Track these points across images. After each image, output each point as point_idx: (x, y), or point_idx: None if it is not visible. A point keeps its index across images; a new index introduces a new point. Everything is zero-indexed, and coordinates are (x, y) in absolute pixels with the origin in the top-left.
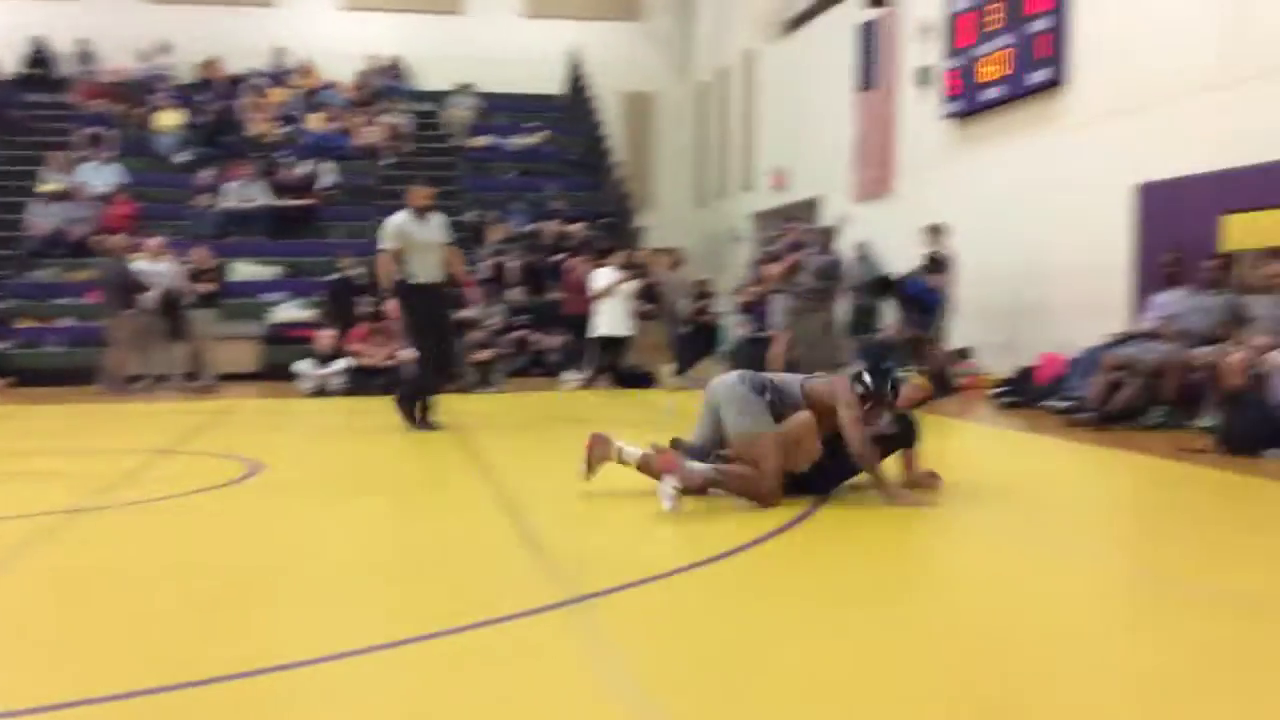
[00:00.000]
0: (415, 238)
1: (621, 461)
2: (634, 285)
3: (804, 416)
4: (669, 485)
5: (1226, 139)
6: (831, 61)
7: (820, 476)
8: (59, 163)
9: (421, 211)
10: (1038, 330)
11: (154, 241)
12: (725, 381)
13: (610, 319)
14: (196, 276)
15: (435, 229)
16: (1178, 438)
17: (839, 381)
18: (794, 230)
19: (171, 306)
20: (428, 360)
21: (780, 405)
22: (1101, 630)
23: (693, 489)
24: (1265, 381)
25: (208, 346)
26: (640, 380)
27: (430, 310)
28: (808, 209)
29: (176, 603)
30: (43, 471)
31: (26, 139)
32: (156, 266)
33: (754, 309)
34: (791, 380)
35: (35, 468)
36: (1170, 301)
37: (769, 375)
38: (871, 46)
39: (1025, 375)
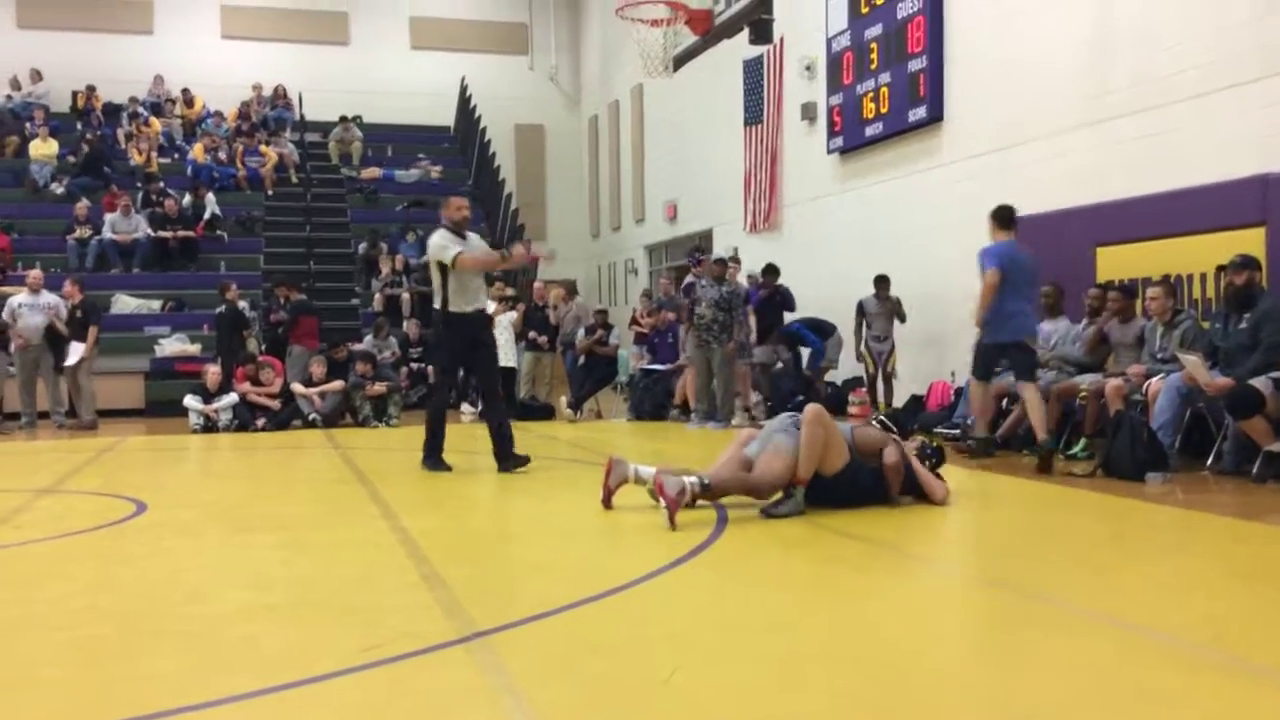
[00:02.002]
0: (453, 252)
1: (638, 481)
2: (512, 316)
3: (811, 414)
4: (663, 509)
5: (1097, 174)
6: (719, 97)
7: (845, 490)
8: None
9: (460, 228)
10: (931, 360)
11: (34, 274)
12: (779, 422)
13: (505, 350)
14: (70, 310)
15: (475, 246)
16: (1061, 464)
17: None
18: (704, 262)
19: (54, 341)
20: (444, 393)
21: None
22: (983, 649)
23: (685, 502)
24: (1144, 407)
25: (87, 383)
26: (536, 411)
27: (473, 342)
28: (703, 241)
29: (61, 648)
30: None
31: None
32: (37, 299)
33: (650, 341)
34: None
35: None
36: (1051, 331)
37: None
38: (757, 82)
39: (915, 403)
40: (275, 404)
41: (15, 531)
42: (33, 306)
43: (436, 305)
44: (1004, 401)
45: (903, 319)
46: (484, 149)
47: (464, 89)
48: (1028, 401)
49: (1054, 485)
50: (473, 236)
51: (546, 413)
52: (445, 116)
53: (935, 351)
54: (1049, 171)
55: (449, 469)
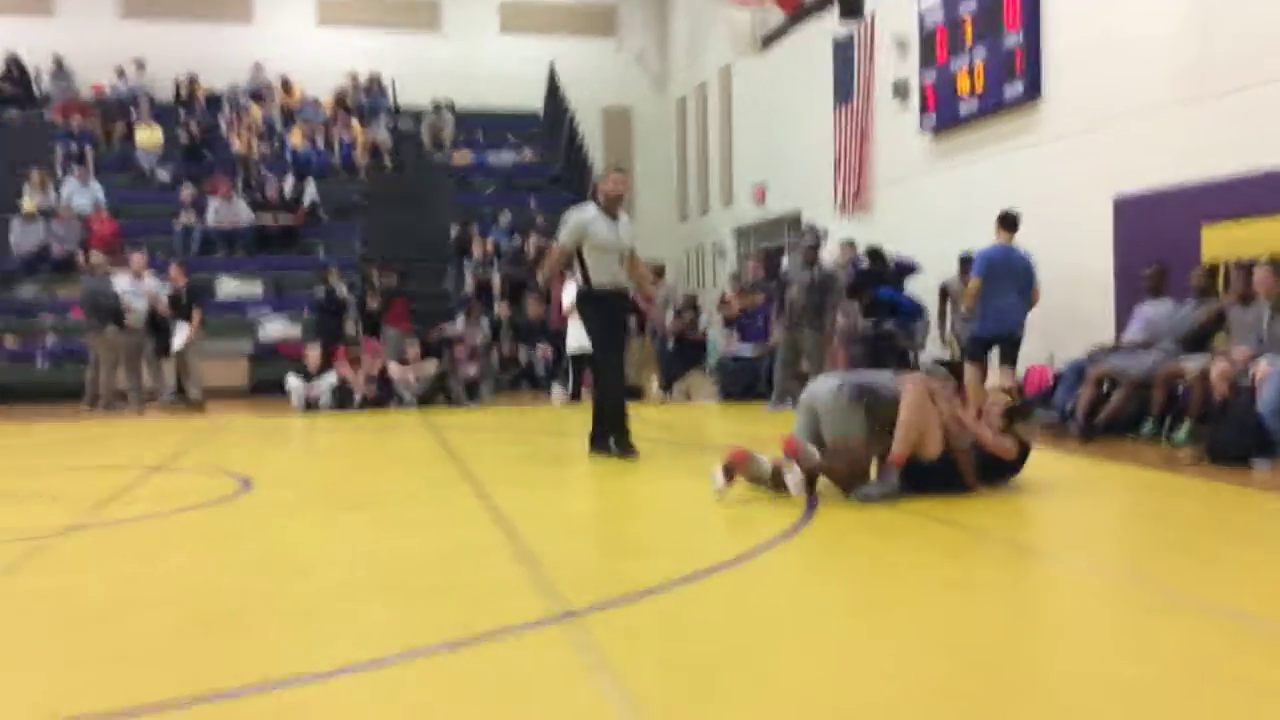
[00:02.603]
0: (598, 237)
1: (755, 475)
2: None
3: (910, 398)
4: (795, 473)
5: (1200, 151)
6: (809, 76)
7: (941, 475)
8: (38, 181)
9: (611, 206)
10: (1026, 343)
11: (136, 259)
12: (825, 388)
13: (580, 334)
14: (175, 293)
15: (622, 231)
16: (1165, 449)
17: (918, 378)
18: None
19: (157, 323)
20: (609, 376)
21: (876, 405)
22: (1088, 638)
23: (809, 470)
24: (1251, 391)
25: (195, 363)
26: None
27: (611, 320)
28: (791, 223)
29: (172, 620)
30: (33, 491)
31: (4, 158)
32: (140, 284)
33: (740, 324)
34: (883, 377)
35: (25, 487)
36: (1154, 313)
37: (861, 379)
38: (848, 60)
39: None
40: (372, 385)
41: (127, 507)
42: (135, 291)
43: (579, 282)
44: (1104, 386)
45: None
46: (572, 132)
47: (552, 72)
48: (977, 385)
49: (1157, 471)
50: (622, 219)
51: (635, 394)
52: (534, 100)
53: (1030, 335)
54: (1149, 148)
55: (618, 452)
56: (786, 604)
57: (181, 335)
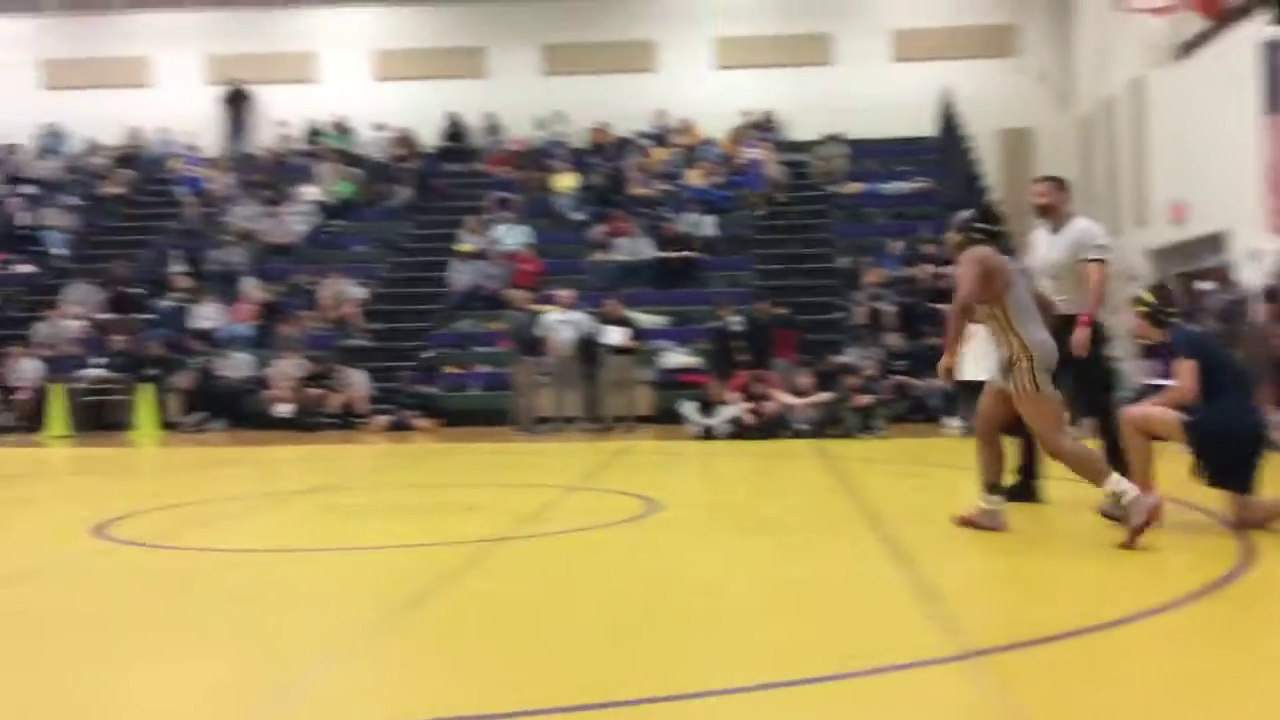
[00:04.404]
0: (1035, 250)
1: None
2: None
3: None
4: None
5: None
6: (1232, 84)
7: None
8: (473, 225)
9: (1045, 215)
10: None
11: (565, 294)
12: None
13: (970, 363)
14: (610, 324)
15: (1060, 242)
16: None
17: None
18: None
19: (587, 353)
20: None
21: None
22: None
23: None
24: None
25: (626, 389)
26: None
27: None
28: (1211, 244)
29: (591, 628)
30: (467, 504)
31: (446, 204)
32: (568, 316)
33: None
34: None
35: (459, 500)
36: None
37: None
38: (1278, 65)
39: None
40: (762, 415)
41: (548, 522)
42: (564, 323)
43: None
44: None
45: None
46: (965, 156)
47: (945, 97)
48: None
49: None
50: (1069, 227)
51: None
52: (926, 126)
53: None
54: None
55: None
56: (1221, 656)
57: (622, 365)
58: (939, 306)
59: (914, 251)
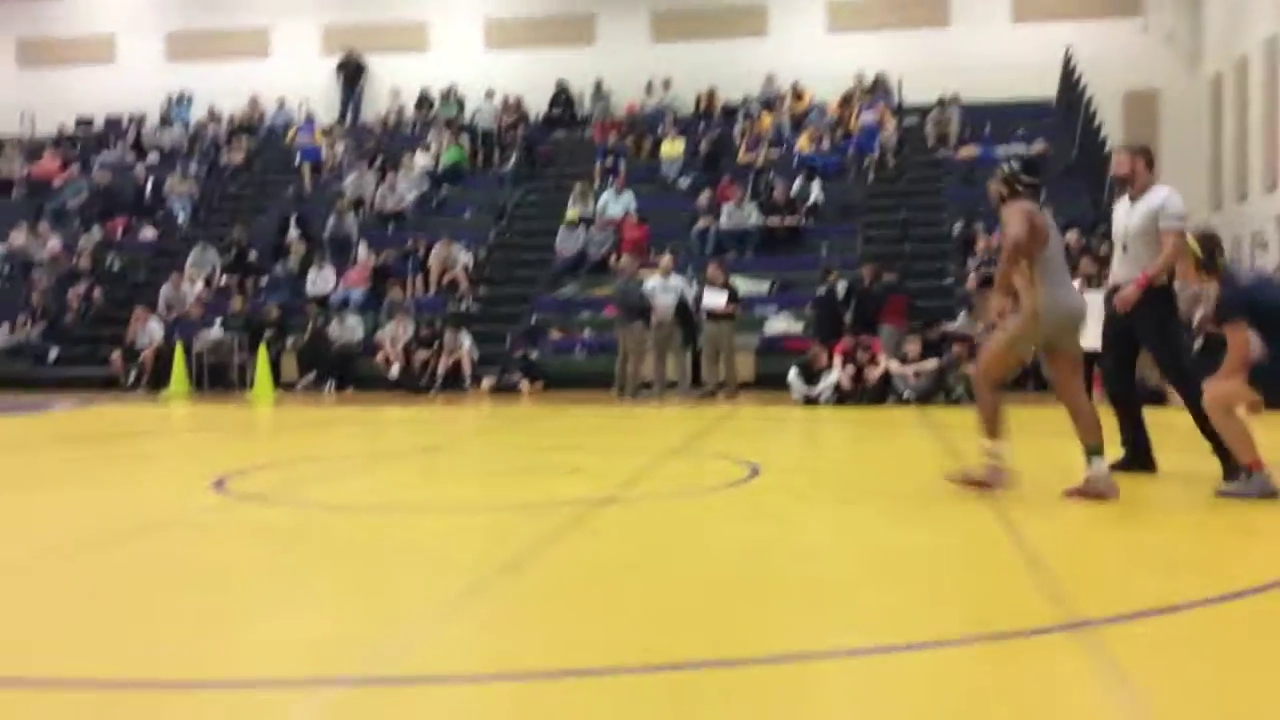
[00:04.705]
0: (1115, 219)
1: None
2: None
3: None
4: None
5: None
6: None
7: None
8: (580, 192)
9: (1124, 185)
10: None
11: (665, 260)
12: None
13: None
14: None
15: (1138, 211)
16: None
17: None
18: None
19: (686, 318)
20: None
21: None
22: None
23: None
24: None
25: (729, 355)
26: (1142, 397)
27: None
28: None
29: (696, 589)
30: (572, 467)
31: (554, 172)
32: (668, 282)
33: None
34: None
35: (561, 462)
36: None
37: None
38: None
39: None
40: (865, 382)
41: (652, 485)
42: (664, 288)
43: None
44: None
45: None
46: (1088, 119)
47: (1067, 58)
48: None
49: None
50: (1147, 196)
51: (1157, 399)
52: (1047, 89)
53: None
54: None
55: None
56: None
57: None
58: None
59: None
